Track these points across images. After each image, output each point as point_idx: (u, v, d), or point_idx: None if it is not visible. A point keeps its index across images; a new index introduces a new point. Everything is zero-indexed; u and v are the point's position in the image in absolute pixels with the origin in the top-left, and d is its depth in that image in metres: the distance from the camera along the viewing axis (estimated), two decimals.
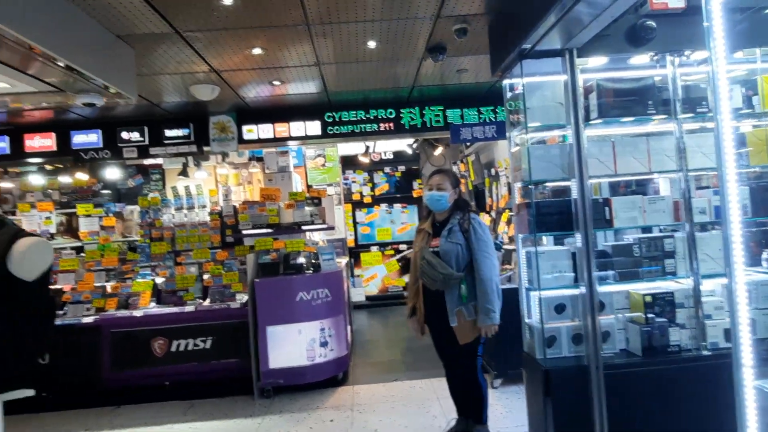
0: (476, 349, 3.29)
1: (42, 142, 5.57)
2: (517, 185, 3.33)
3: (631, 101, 3.02)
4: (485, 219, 6.50)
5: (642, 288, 3.09)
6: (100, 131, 5.69)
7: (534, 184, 3.06)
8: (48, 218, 5.77)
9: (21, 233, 2.42)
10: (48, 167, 6.64)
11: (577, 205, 2.94)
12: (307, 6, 3.24)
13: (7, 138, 5.57)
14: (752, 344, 1.37)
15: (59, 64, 2.82)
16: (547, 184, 3.28)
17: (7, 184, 6.47)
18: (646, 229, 3.33)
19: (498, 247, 3.52)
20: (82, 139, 5.61)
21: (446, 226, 3.30)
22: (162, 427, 4.18)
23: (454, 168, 8.87)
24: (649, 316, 2.99)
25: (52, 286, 3.90)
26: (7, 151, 5.60)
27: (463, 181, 8.27)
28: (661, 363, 2.89)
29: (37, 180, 6.48)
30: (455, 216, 3.34)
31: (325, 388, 4.74)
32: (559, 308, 3.11)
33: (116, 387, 4.73)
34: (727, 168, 1.48)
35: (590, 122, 3.03)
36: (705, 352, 2.94)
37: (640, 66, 3.15)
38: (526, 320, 3.28)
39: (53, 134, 5.65)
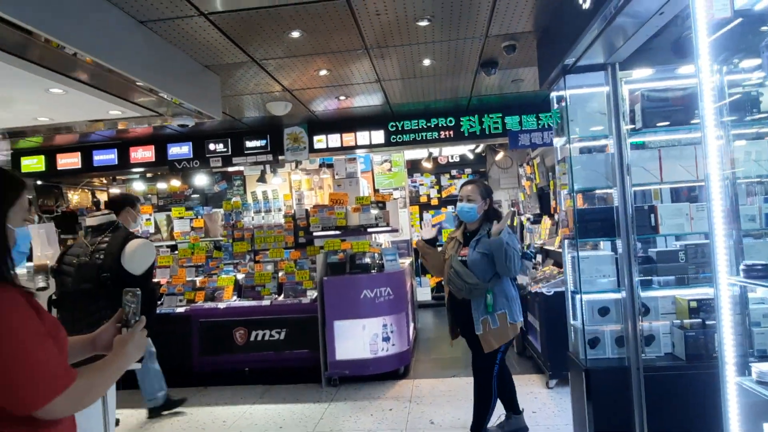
0: (495, 356, 3.33)
1: (144, 153, 6.34)
2: (563, 192, 3.47)
3: (677, 110, 3.07)
4: (547, 222, 6.53)
5: (688, 294, 3.12)
6: (191, 143, 6.35)
7: (577, 192, 3.19)
8: (148, 220, 6.53)
9: (131, 236, 2.96)
10: (148, 175, 7.50)
11: (619, 213, 3.05)
12: (364, 35, 3.59)
13: (115, 150, 6.39)
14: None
15: (160, 94, 3.39)
16: (596, 191, 3.39)
17: (114, 190, 7.40)
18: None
19: (528, 257, 3.62)
20: (176, 150, 6.32)
21: (475, 237, 3.37)
22: (242, 407, 4.66)
23: (520, 170, 8.90)
24: (694, 321, 3.03)
25: (153, 280, 4.47)
26: (116, 162, 6.39)
27: (528, 183, 8.29)
28: (704, 368, 2.90)
29: (139, 186, 7.35)
30: (485, 227, 3.38)
31: (386, 381, 4.99)
32: (603, 311, 3.21)
33: (203, 370, 5.24)
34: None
35: (635, 132, 3.12)
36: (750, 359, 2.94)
37: (686, 75, 3.18)
38: (572, 322, 3.41)
39: (153, 147, 6.38)
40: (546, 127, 5.86)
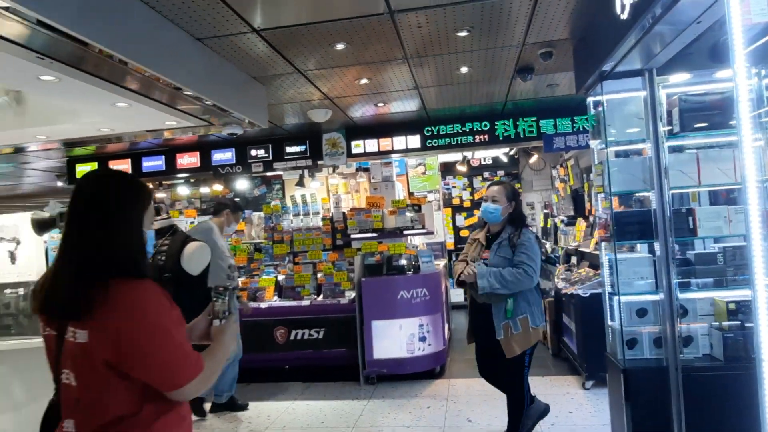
0: (523, 361, 3.27)
1: (189, 159, 6.64)
2: (600, 196, 3.53)
3: (714, 115, 3.09)
4: (582, 224, 6.54)
5: (727, 296, 3.14)
6: (233, 149, 6.61)
7: (614, 195, 3.26)
8: (192, 223, 6.81)
9: (189, 239, 3.19)
10: (192, 180, 7.82)
11: (657, 215, 3.10)
12: (405, 46, 3.74)
13: (162, 157, 6.71)
14: None
15: (213, 105, 3.62)
16: (633, 194, 3.44)
17: (161, 195, 7.75)
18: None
19: (553, 261, 3.56)
20: (220, 156, 6.60)
21: (497, 239, 3.29)
22: (284, 402, 4.85)
23: (553, 172, 8.89)
24: (733, 323, 3.06)
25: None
26: (163, 168, 6.72)
27: (561, 185, 8.29)
28: (743, 369, 2.91)
29: (183, 191, 7.68)
30: (507, 230, 3.30)
31: (423, 380, 5.10)
32: (641, 312, 3.25)
33: (246, 367, 5.27)
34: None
35: (672, 135, 3.16)
36: None
37: (724, 79, 3.20)
38: (609, 323, 3.46)
39: (198, 153, 6.68)
40: (581, 129, 5.88)
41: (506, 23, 3.52)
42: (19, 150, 4.74)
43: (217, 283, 4.40)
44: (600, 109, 3.35)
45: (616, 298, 3.27)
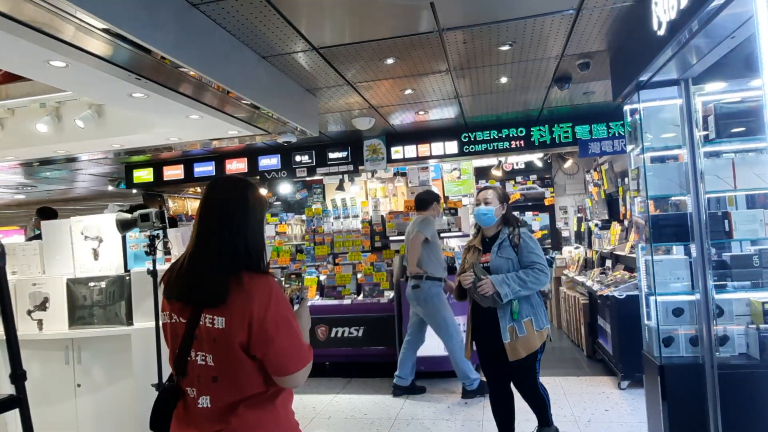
0: (534, 363, 3.24)
1: (237, 165, 6.99)
2: (637, 200, 3.66)
3: (750, 121, 3.19)
4: (617, 228, 6.61)
5: (763, 297, 3.22)
6: (279, 155, 6.91)
7: (650, 198, 3.39)
8: None
9: None
10: None
11: (693, 219, 3.22)
12: (450, 60, 3.97)
13: (213, 163, 7.07)
14: None
15: (273, 116, 3.94)
16: (669, 198, 3.57)
17: None
18: None
19: (550, 263, 3.59)
20: (266, 162, 6.91)
21: (496, 242, 3.26)
22: (327, 396, 5.09)
23: (587, 176, 8.95)
24: None
25: None
26: (213, 173, 7.07)
27: (595, 189, 8.35)
28: None
29: None
30: (504, 231, 3.29)
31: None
32: (677, 312, 3.35)
33: None
34: None
35: (708, 142, 3.28)
36: None
37: (759, 87, 3.30)
38: (646, 322, 3.58)
39: (245, 159, 7.01)
40: (616, 135, 5.96)
41: (546, 37, 3.71)
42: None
43: (436, 274, 4.73)
44: (636, 116, 3.49)
45: (652, 298, 3.38)
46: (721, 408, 3.06)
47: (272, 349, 1.45)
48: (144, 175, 7.21)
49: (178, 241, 3.52)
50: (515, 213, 3.73)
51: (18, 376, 1.91)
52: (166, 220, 3.09)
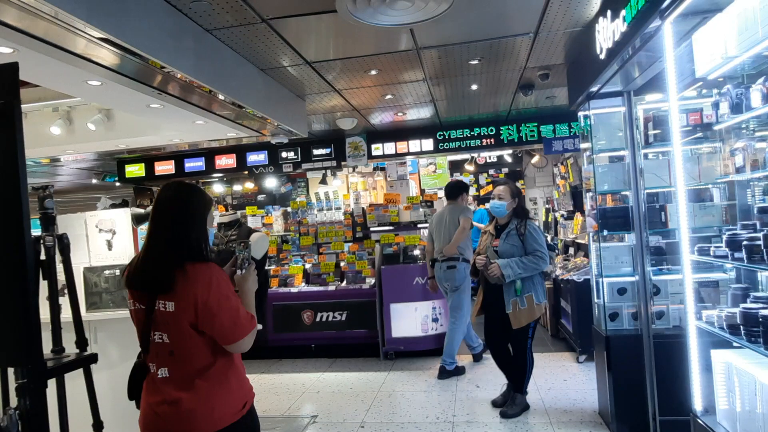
0: (527, 331, 3.91)
1: (227, 161, 7.30)
2: (588, 194, 4.17)
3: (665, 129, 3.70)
4: (579, 218, 7.15)
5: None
6: (266, 152, 7.26)
7: (599, 193, 3.90)
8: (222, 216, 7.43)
9: (252, 230, 3.87)
10: (225, 179, 8.47)
11: (634, 211, 3.74)
12: (426, 71, 4.42)
13: (203, 158, 7.38)
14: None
15: (269, 121, 4.35)
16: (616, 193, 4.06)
17: None
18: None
19: (552, 248, 4.24)
20: (254, 158, 7.25)
21: (505, 230, 3.93)
22: (315, 374, 5.50)
23: (555, 170, 9.49)
24: None
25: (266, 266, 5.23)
26: (203, 168, 7.38)
27: (562, 182, 8.88)
28: None
29: (218, 188, 8.32)
30: (513, 222, 3.93)
31: (435, 356, 5.62)
32: (621, 291, 3.85)
33: (277, 345, 5.99)
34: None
35: (649, 145, 3.79)
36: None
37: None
38: (596, 300, 4.09)
39: (234, 155, 7.33)
40: (577, 134, 6.46)
41: (510, 53, 4.18)
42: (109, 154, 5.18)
43: (469, 257, 5.05)
44: (588, 121, 3.99)
45: (601, 279, 3.87)
46: (656, 370, 3.56)
47: (216, 323, 1.68)
48: (136, 170, 7.46)
49: None
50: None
51: (83, 341, 2.35)
52: None
